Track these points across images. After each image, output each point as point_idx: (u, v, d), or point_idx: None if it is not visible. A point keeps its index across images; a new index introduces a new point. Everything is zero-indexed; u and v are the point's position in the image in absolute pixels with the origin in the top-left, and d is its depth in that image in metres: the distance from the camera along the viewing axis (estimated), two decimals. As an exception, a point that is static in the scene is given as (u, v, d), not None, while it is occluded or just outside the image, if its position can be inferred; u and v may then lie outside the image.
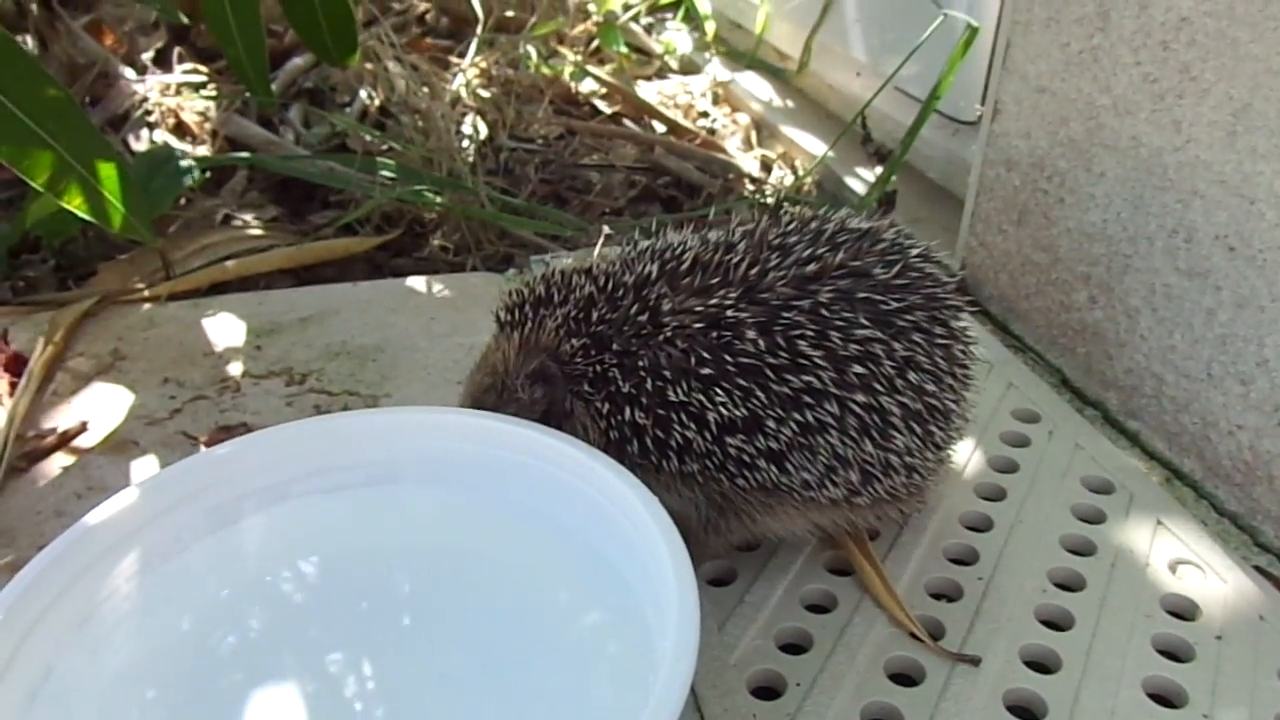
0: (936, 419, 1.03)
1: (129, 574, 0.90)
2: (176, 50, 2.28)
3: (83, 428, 1.30)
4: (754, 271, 0.98)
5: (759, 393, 0.95)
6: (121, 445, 1.28)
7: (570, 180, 2.20)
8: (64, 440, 1.27)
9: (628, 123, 2.50)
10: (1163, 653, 0.99)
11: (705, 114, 2.60)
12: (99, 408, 1.34)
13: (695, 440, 0.96)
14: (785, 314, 0.96)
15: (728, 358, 0.95)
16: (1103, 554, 1.11)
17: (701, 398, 0.95)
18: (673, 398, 0.95)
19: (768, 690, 0.96)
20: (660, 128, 2.48)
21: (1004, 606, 1.04)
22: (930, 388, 1.01)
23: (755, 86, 2.63)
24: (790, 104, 2.54)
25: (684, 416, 0.96)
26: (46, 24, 2.06)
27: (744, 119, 2.56)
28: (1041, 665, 0.98)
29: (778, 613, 1.03)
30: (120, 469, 1.24)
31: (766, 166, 2.33)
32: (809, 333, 0.95)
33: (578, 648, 0.95)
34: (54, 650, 0.83)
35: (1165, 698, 0.95)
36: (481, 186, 1.96)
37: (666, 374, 0.96)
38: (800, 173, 2.23)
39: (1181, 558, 1.11)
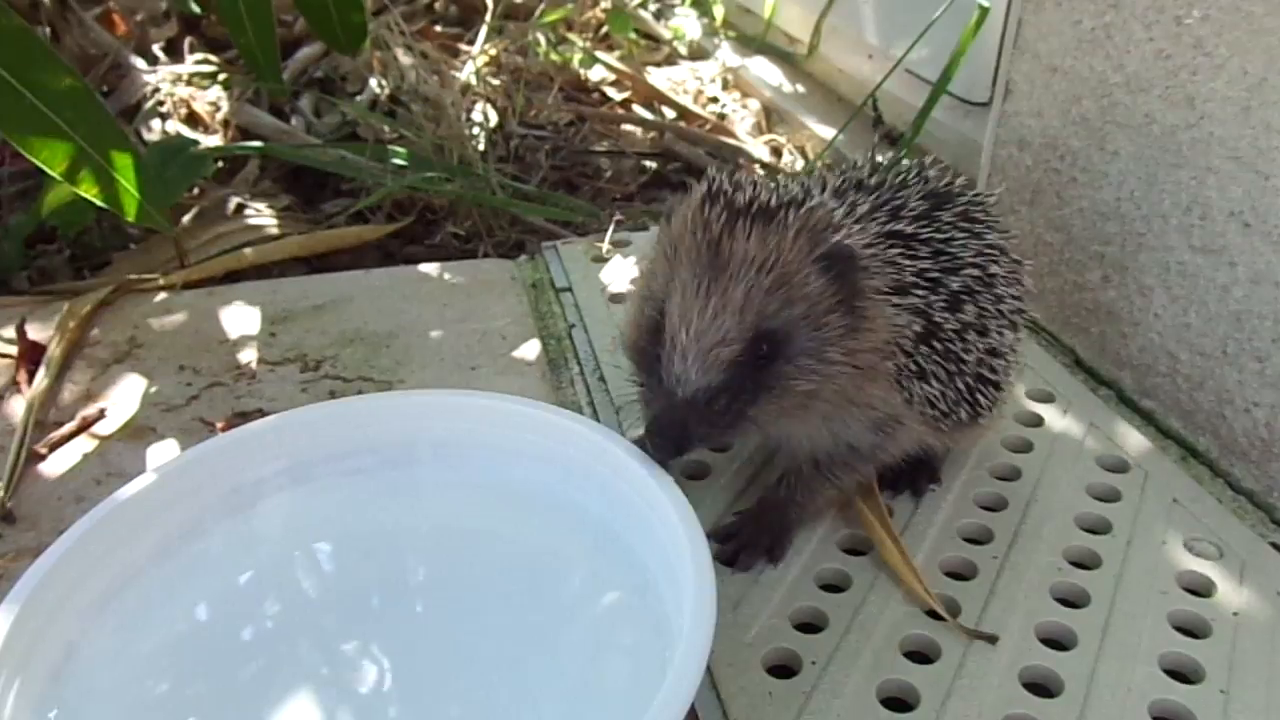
0: (1015, 326, 1.11)
1: (151, 556, 0.91)
2: (188, 40, 2.29)
3: (101, 414, 1.31)
4: (895, 190, 1.06)
5: (931, 296, 1.00)
6: (139, 431, 1.29)
7: (581, 166, 2.21)
8: (83, 427, 1.28)
9: (638, 109, 2.50)
10: (1179, 629, 1.00)
11: (715, 99, 2.60)
12: (116, 395, 1.35)
13: (913, 353, 0.99)
14: (936, 224, 1.03)
15: (908, 264, 0.99)
16: (1118, 532, 1.11)
17: (925, 304, 0.99)
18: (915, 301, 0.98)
19: (783, 669, 0.96)
20: (670, 113, 2.48)
21: (1019, 585, 1.04)
22: (1015, 291, 1.11)
23: (765, 71, 2.62)
24: (800, 88, 2.53)
25: (913, 320, 0.98)
26: (59, 15, 2.07)
27: (754, 104, 2.55)
28: (1057, 643, 0.98)
29: (793, 592, 1.04)
30: (138, 455, 1.25)
31: (777, 151, 2.33)
32: (958, 236, 1.04)
33: (594, 628, 0.96)
34: (77, 630, 0.84)
35: (1182, 674, 0.95)
36: (492, 173, 1.96)
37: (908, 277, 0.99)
38: (811, 157, 2.22)
39: (1197, 535, 1.11)
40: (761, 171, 2.21)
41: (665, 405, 0.89)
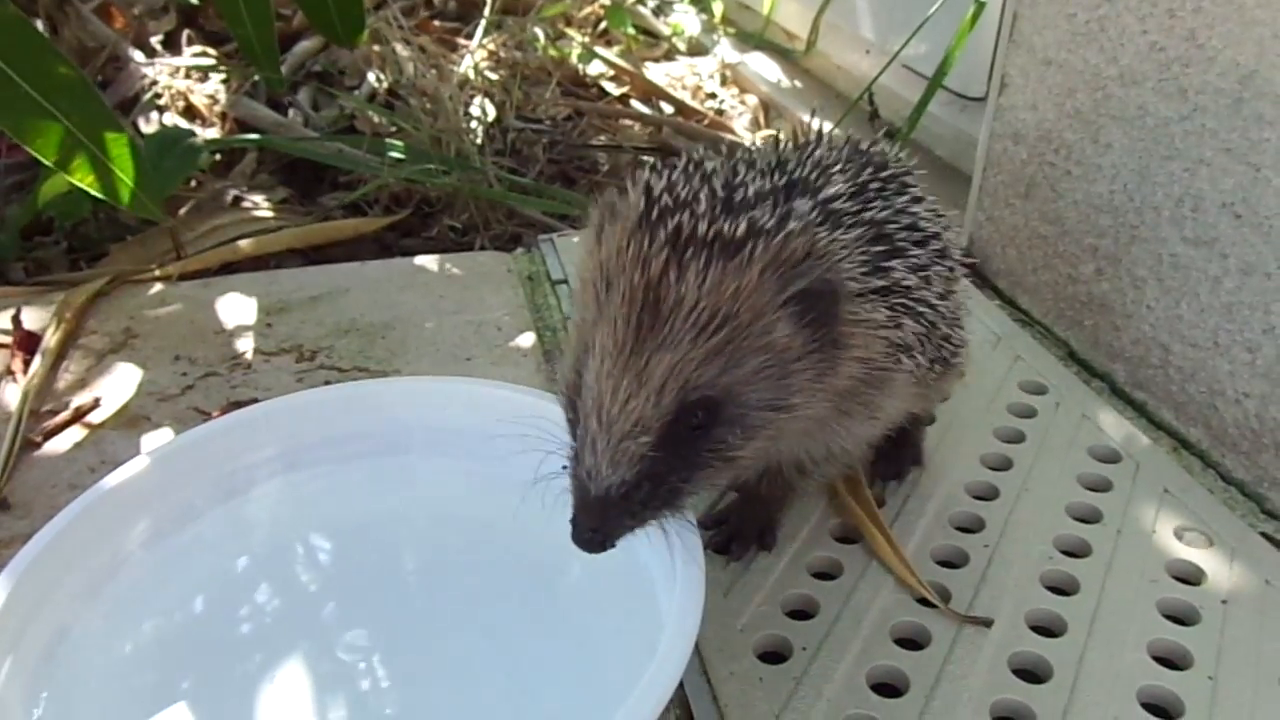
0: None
1: (142, 540, 0.92)
2: (185, 33, 2.29)
3: (96, 404, 1.31)
4: (857, 167, 0.98)
5: (913, 269, 0.93)
6: (134, 421, 1.30)
7: (578, 161, 2.21)
8: (77, 416, 1.29)
9: (636, 104, 2.50)
10: (1168, 617, 1.00)
11: (713, 95, 2.60)
12: (112, 385, 1.36)
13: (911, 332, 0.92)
14: (897, 198, 0.97)
15: (899, 259, 0.92)
16: (1109, 521, 1.12)
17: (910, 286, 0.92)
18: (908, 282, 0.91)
19: (774, 654, 0.96)
20: (668, 109, 2.48)
21: (1010, 573, 1.05)
22: (958, 248, 1.07)
23: (763, 67, 2.62)
24: (798, 84, 2.53)
25: (908, 303, 0.92)
26: (56, 7, 2.07)
27: (752, 100, 2.56)
28: (1047, 629, 0.98)
29: (784, 580, 1.04)
30: (133, 444, 1.25)
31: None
32: (915, 207, 0.98)
33: (587, 614, 0.96)
34: (69, 613, 0.84)
35: (1170, 660, 0.95)
36: (489, 167, 1.97)
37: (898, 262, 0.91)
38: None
39: (1188, 525, 1.11)
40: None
41: (580, 499, 0.78)
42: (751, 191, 0.82)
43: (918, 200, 1.01)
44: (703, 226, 0.76)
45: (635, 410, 0.75)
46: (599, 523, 0.77)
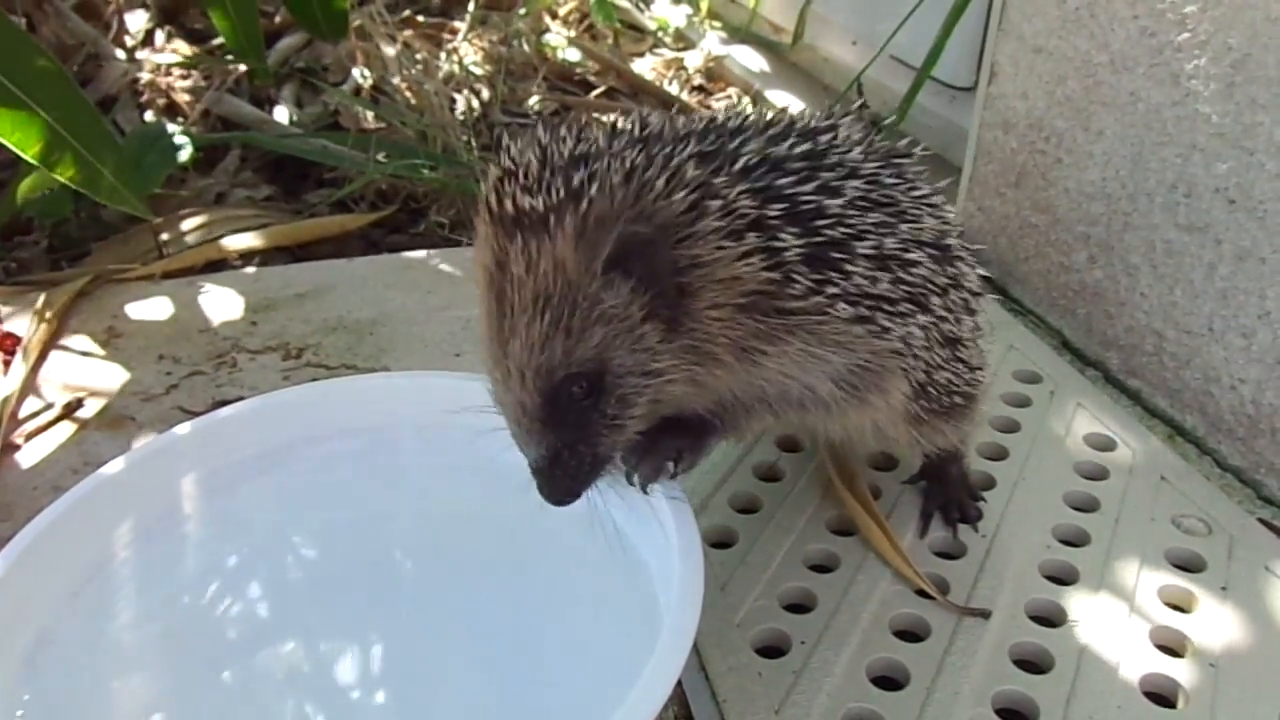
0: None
1: (126, 540, 0.89)
2: (166, 30, 2.26)
3: (79, 404, 1.29)
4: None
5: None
6: (118, 421, 1.27)
7: (565, 155, 2.19)
8: (60, 417, 1.26)
9: (622, 98, 2.48)
10: (1169, 605, 0.99)
11: (700, 88, 2.59)
12: (95, 385, 1.33)
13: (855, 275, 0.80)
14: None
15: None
16: (1106, 510, 1.11)
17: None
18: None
19: (773, 649, 0.95)
20: (655, 102, 2.47)
21: (1008, 563, 1.04)
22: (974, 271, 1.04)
23: (750, 60, 2.61)
24: (786, 77, 2.52)
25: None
26: (34, 5, 2.04)
27: (738, 93, 2.54)
28: (1046, 619, 0.98)
29: (781, 573, 1.03)
30: (117, 444, 1.23)
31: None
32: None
33: (582, 610, 0.95)
34: (51, 616, 0.82)
35: (1172, 648, 0.95)
36: (476, 161, 1.95)
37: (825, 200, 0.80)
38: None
39: (1185, 512, 1.10)
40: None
41: (530, 465, 0.79)
42: (594, 150, 0.75)
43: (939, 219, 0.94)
44: (522, 199, 0.72)
45: (512, 396, 0.75)
46: (545, 484, 0.78)
